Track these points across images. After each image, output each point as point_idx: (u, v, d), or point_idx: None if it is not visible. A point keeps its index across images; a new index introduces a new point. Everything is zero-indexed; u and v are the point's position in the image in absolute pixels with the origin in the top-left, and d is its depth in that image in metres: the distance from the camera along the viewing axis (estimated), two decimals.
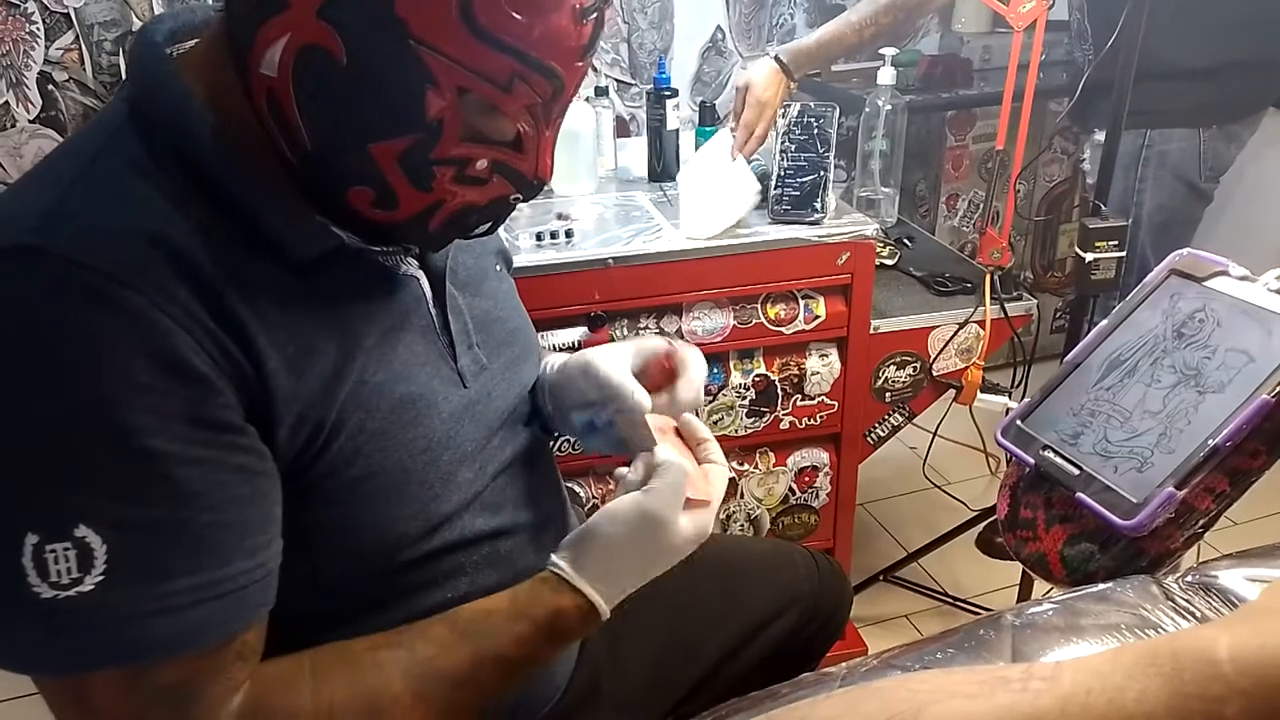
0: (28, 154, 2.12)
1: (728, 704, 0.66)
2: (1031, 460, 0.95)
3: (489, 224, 0.75)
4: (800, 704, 0.50)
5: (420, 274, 0.79)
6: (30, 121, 2.10)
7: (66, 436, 0.57)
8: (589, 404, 0.86)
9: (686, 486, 0.76)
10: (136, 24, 2.08)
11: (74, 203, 0.61)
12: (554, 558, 0.75)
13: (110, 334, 0.58)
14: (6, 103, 2.07)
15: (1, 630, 0.60)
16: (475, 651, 0.71)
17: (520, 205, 0.75)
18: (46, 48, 2.06)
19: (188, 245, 0.62)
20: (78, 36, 2.06)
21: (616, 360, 0.86)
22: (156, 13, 2.08)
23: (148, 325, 0.59)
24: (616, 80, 2.41)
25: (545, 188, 0.76)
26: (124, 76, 2.11)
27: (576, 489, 1.56)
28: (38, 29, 2.04)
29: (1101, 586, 0.78)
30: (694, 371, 0.88)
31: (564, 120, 0.72)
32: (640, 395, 0.83)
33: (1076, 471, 0.90)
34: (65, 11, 2.03)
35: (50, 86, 2.09)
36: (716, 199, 1.50)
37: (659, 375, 0.88)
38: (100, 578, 0.57)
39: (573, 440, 1.52)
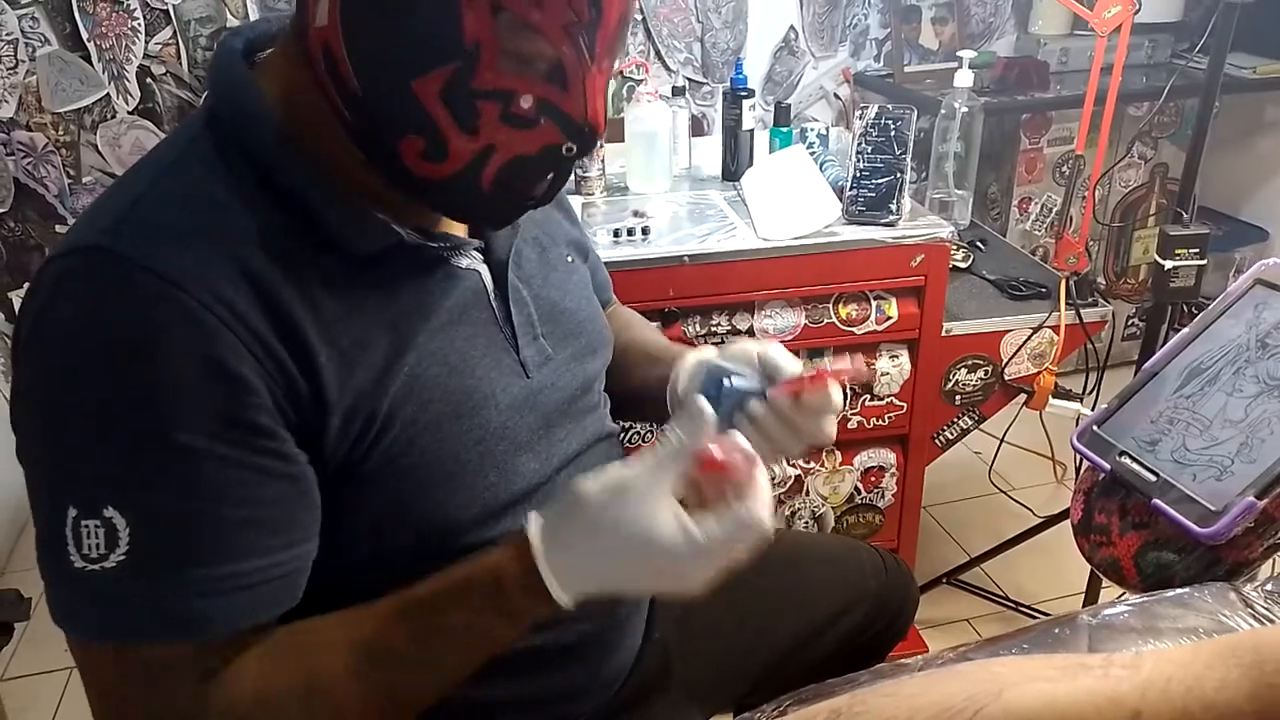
0: (126, 144, 2.22)
1: (807, 688, 0.68)
2: (1108, 466, 0.96)
3: (546, 186, 0.74)
4: (884, 684, 0.52)
5: (482, 267, 0.80)
6: (129, 113, 2.20)
7: (107, 423, 0.62)
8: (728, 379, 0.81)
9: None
10: (230, 20, 2.17)
11: (145, 206, 0.66)
12: (532, 515, 0.67)
13: (157, 331, 0.61)
14: (108, 95, 2.17)
15: (49, 590, 0.65)
16: (415, 626, 0.67)
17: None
18: (146, 42, 2.15)
19: (247, 245, 0.65)
20: (175, 32, 2.15)
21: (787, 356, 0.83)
22: (250, 9, 2.16)
23: (194, 325, 0.61)
24: (689, 79, 2.43)
25: (599, 140, 0.72)
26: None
27: None
28: (138, 24, 2.13)
29: (1179, 591, 0.79)
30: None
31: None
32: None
33: (1154, 478, 0.91)
34: (164, 8, 2.12)
35: (148, 80, 2.19)
36: (790, 205, 1.51)
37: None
38: (122, 557, 0.61)
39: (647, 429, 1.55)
